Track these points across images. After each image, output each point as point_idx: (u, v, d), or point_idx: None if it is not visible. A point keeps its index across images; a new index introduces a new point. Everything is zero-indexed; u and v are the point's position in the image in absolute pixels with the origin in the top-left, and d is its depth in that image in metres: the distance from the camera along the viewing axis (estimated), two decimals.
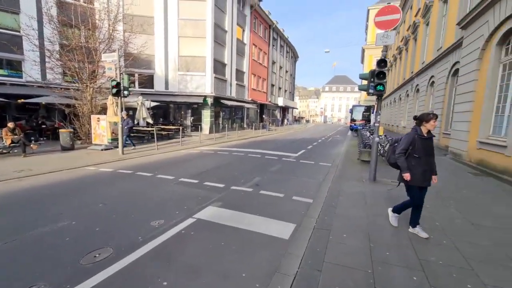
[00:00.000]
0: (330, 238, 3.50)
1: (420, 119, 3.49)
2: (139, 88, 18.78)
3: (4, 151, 9.44)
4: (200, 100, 20.29)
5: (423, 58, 17.56)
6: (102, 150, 11.00)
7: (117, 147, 10.88)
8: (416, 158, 3.45)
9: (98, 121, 11.37)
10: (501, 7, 7.42)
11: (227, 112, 25.14)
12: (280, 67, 38.99)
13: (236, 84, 24.98)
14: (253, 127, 25.11)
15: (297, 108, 62.12)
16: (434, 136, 3.87)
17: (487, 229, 3.85)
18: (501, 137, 7.29)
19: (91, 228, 3.82)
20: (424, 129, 3.47)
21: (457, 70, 11.35)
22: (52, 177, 6.81)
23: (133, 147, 11.90)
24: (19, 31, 14.19)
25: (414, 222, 3.66)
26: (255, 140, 18.01)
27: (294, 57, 49.03)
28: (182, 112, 22.23)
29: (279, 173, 7.68)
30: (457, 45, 11.21)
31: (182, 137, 14.14)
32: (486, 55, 8.32)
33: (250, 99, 27.95)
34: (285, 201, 5.21)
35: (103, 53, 11.63)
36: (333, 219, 4.12)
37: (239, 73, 25.91)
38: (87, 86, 12.50)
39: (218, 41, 21.38)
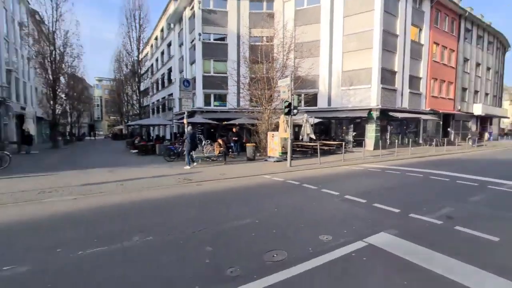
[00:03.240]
0: None
1: None
2: (304, 106, 20.46)
3: (214, 158, 13.16)
4: (364, 114, 19.03)
5: None
6: (274, 161, 12.75)
7: (286, 159, 12.21)
8: None
9: (273, 137, 13.35)
10: None
11: (396, 126, 21.88)
12: (477, 64, 29.45)
13: (410, 92, 21.37)
14: (435, 143, 20.24)
15: (507, 117, 43.95)
16: None
17: None
18: None
19: (269, 229, 4.33)
20: None
21: None
22: (238, 181, 8.59)
23: (193, 164, 11.41)
24: (226, 73, 19.81)
25: None
26: (437, 159, 14.33)
27: (502, 47, 35.56)
28: (344, 127, 21.77)
29: (485, 206, 5.51)
30: None
31: (344, 153, 13.74)
32: None
33: (428, 109, 22.95)
34: (506, 249, 3.56)
35: (279, 79, 13.69)
36: None
37: (414, 80, 22.03)
38: (265, 108, 15.13)
39: (387, 48, 19.37)
